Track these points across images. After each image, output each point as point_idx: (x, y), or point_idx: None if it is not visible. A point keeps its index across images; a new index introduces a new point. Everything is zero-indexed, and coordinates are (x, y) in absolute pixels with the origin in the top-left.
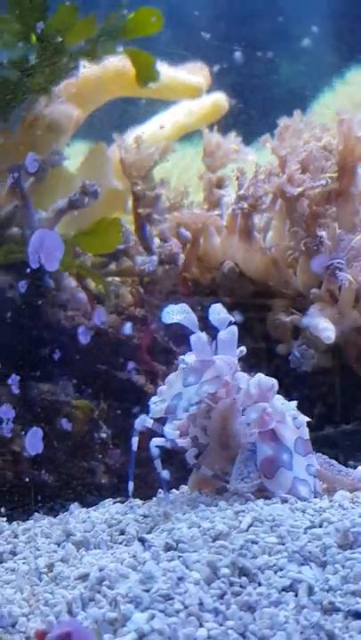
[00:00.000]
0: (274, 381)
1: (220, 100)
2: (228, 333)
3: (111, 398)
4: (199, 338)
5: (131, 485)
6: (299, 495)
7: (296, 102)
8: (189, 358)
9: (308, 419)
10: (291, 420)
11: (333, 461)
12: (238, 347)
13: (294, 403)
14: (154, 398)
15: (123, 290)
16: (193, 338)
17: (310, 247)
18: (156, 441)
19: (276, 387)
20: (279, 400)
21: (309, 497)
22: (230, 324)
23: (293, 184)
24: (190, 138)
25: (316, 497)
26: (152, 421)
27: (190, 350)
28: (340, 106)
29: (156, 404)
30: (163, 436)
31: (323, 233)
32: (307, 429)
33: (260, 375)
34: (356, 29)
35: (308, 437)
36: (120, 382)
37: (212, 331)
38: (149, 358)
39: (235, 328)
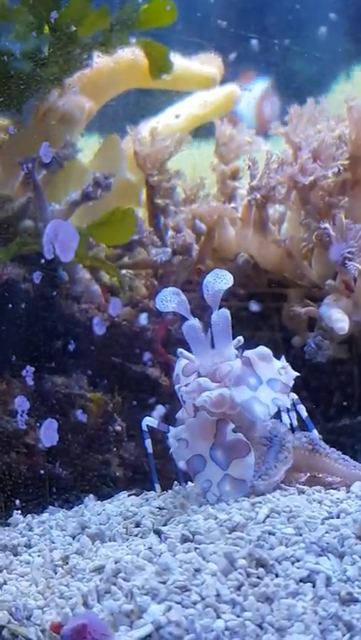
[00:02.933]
0: (238, 337)
1: (234, 90)
2: (221, 318)
3: (126, 391)
4: (192, 325)
5: (157, 487)
6: (252, 409)
7: (312, 91)
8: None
9: (296, 373)
10: (276, 367)
11: (348, 457)
12: (253, 338)
13: (283, 359)
14: (172, 434)
15: (137, 282)
16: (185, 326)
17: (323, 239)
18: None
19: (241, 340)
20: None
21: (264, 417)
22: (222, 306)
23: (305, 173)
24: (201, 128)
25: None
26: (157, 422)
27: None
28: (358, 94)
29: (177, 446)
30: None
31: (326, 225)
32: (291, 380)
33: None
34: None
35: (289, 384)
36: (134, 375)
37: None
38: (164, 350)
39: (227, 312)
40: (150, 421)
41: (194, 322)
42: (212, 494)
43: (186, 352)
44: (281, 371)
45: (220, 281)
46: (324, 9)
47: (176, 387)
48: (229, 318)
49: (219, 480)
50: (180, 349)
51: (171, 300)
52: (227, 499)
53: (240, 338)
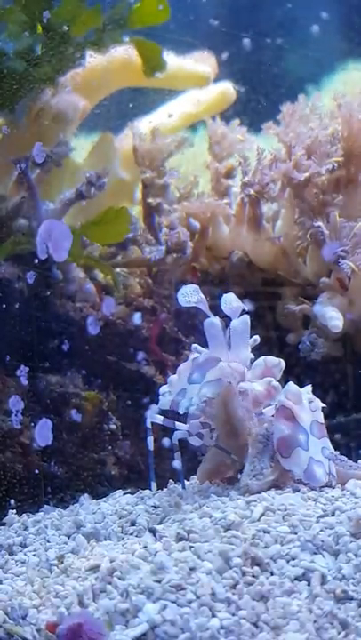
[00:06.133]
0: (280, 360)
1: (227, 89)
2: (241, 323)
3: (120, 389)
4: (213, 323)
5: (153, 486)
6: (314, 476)
7: (304, 89)
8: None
9: (322, 404)
10: (307, 402)
11: (344, 457)
12: (251, 336)
13: (309, 387)
14: (163, 388)
15: (131, 280)
16: (207, 323)
17: (317, 237)
18: (178, 434)
19: (283, 365)
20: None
21: (324, 479)
22: (243, 312)
23: (300, 170)
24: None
25: (331, 479)
26: (162, 417)
27: (203, 339)
28: (349, 93)
29: (165, 396)
30: (173, 430)
31: (319, 223)
32: (321, 414)
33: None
34: None
35: (323, 421)
36: (129, 373)
37: (224, 318)
38: (158, 349)
39: (247, 317)
40: (155, 418)
41: (216, 320)
42: (195, 405)
43: (200, 347)
44: (312, 406)
45: (237, 300)
46: (316, 7)
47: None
48: (249, 325)
49: (198, 391)
50: (195, 344)
51: (191, 295)
52: (205, 395)
53: (256, 337)
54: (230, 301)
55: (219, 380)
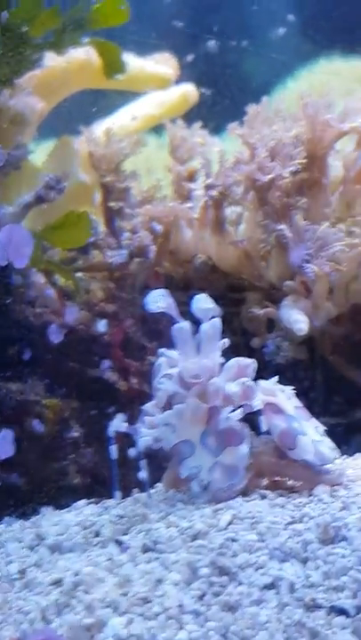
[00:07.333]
0: (253, 360)
1: (189, 90)
2: (211, 327)
3: (83, 396)
4: (182, 329)
5: (118, 495)
6: (324, 455)
7: (267, 92)
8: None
9: (293, 388)
10: (280, 393)
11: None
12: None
13: (275, 378)
14: (159, 419)
15: (93, 285)
16: (175, 328)
17: (280, 240)
18: (143, 441)
19: (255, 365)
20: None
21: (335, 454)
22: (214, 316)
23: (263, 172)
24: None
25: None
26: (126, 425)
27: (168, 344)
28: (315, 94)
29: (163, 430)
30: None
31: (282, 226)
32: (296, 398)
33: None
34: (331, 18)
35: (302, 405)
36: (91, 380)
37: (193, 322)
38: (121, 355)
39: (218, 321)
40: (118, 426)
41: (184, 324)
42: (199, 481)
43: (169, 351)
44: (286, 395)
45: (209, 302)
46: (281, 10)
47: (155, 380)
48: (220, 328)
49: (209, 466)
50: (162, 349)
51: (160, 301)
52: (215, 486)
53: (226, 340)
54: (202, 303)
55: (235, 468)
